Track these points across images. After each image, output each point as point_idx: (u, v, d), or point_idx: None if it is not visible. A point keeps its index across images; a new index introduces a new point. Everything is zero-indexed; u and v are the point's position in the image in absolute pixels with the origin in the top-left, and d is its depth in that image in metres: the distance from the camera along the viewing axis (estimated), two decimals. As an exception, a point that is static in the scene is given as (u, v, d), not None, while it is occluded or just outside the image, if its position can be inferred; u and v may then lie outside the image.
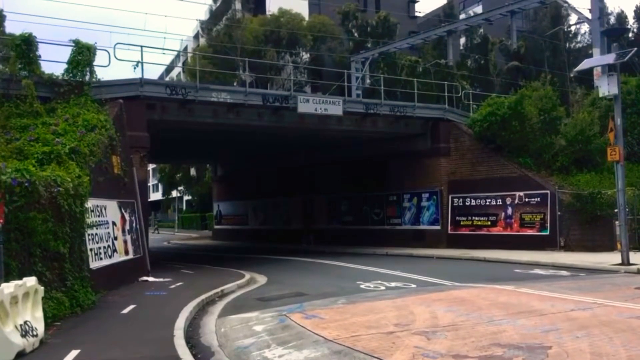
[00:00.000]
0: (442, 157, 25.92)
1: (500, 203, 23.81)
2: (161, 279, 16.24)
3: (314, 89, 40.04)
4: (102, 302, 12.14)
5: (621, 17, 44.23)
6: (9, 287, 7.79)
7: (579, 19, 33.49)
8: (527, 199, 22.96)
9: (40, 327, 8.44)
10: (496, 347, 7.65)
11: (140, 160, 18.39)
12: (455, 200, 25.48)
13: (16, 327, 7.73)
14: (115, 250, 15.02)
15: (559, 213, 21.76)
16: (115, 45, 19.52)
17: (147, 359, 7.65)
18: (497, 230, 23.83)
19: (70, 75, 16.72)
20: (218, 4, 48.80)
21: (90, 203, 13.02)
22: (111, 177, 15.43)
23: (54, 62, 27.00)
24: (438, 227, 25.94)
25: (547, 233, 22.16)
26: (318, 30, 41.24)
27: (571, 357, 7.11)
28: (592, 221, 21.04)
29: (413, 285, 14.47)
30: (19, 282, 8.21)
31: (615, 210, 18.42)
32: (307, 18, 43.71)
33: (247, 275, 17.14)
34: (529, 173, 23.38)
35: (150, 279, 16.33)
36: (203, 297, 12.89)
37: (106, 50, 18.24)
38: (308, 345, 8.26)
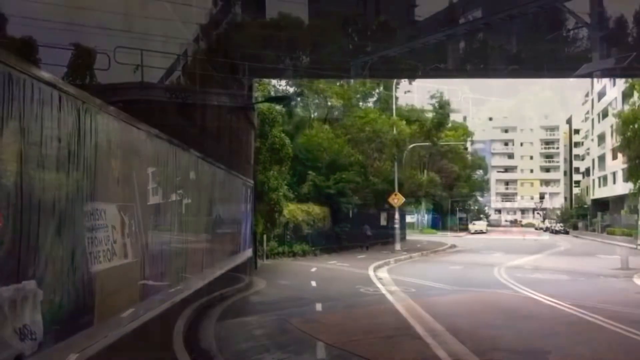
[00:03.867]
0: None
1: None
2: (160, 282, 16.17)
3: (314, 92, 39.92)
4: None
5: (620, 21, 44.31)
6: (8, 291, 7.76)
7: (577, 23, 33.52)
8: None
9: (39, 330, 8.40)
10: (496, 351, 7.63)
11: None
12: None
13: (15, 331, 7.69)
14: (114, 254, 14.96)
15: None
16: (116, 48, 19.48)
17: (146, 363, 7.63)
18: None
19: (70, 78, 16.68)
20: (218, 8, 48.92)
21: (89, 206, 12.98)
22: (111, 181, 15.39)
23: (54, 65, 26.99)
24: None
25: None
26: (317, 35, 41.24)
27: (571, 361, 7.11)
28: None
29: (413, 290, 14.44)
30: (18, 285, 8.17)
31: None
32: (306, 22, 43.72)
33: (247, 279, 17.09)
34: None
35: (150, 282, 16.27)
36: (202, 300, 12.83)
37: (106, 54, 18.20)
38: (307, 349, 8.24)
